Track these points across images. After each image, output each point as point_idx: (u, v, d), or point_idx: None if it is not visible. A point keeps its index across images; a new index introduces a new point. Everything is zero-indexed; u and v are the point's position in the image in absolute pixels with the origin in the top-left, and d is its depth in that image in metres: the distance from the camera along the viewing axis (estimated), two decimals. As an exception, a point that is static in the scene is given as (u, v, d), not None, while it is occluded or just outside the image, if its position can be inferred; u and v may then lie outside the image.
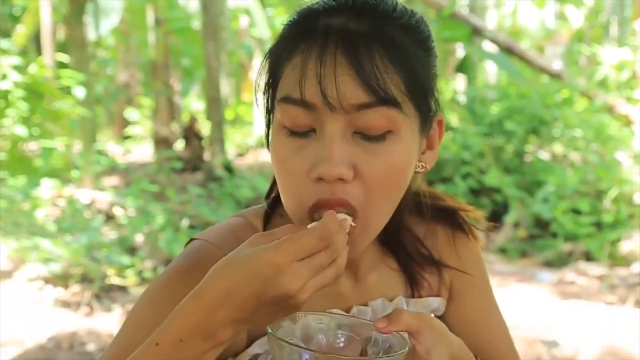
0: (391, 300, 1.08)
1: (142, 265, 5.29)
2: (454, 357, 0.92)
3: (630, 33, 10.76)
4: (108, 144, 12.27)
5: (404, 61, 0.89)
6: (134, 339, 0.88)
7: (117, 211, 6.71)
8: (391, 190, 0.93)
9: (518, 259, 6.51)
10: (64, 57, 8.35)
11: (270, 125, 0.97)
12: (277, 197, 1.00)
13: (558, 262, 6.23)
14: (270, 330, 0.84)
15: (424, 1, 9.34)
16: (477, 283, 1.16)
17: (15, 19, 10.75)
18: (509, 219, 6.88)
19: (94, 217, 6.29)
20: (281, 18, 0.98)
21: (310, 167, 0.89)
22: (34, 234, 5.37)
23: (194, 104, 15.16)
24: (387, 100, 0.87)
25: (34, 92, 6.60)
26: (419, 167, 0.98)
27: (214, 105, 9.52)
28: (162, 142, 9.89)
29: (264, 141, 0.99)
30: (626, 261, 5.97)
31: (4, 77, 6.35)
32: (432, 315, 1.12)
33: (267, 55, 0.96)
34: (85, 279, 4.98)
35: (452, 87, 9.53)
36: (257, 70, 0.98)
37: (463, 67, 9.75)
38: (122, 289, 5.01)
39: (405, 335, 0.89)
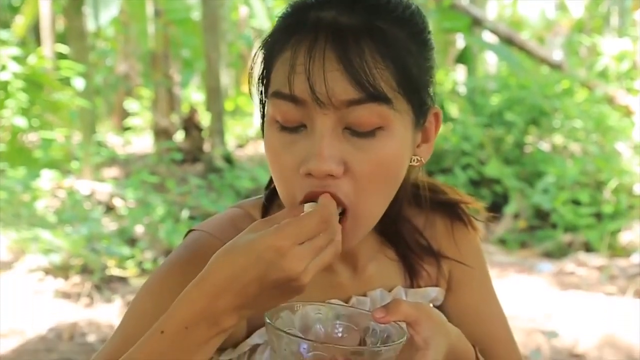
0: (390, 291, 1.09)
1: (142, 256, 5.30)
2: (452, 347, 0.93)
3: (630, 23, 10.76)
4: (108, 135, 12.27)
5: (396, 56, 0.88)
6: (135, 331, 0.89)
7: (117, 202, 6.71)
8: (382, 186, 0.92)
9: (518, 249, 6.52)
10: (63, 48, 8.35)
11: (265, 117, 0.97)
12: (276, 187, 1.00)
13: (558, 253, 6.24)
14: (268, 321, 0.84)
15: (423, -9, 9.31)
16: (476, 274, 1.16)
17: (15, 10, 10.73)
18: (509, 209, 6.89)
19: (94, 208, 6.30)
20: (280, 9, 0.97)
21: (300, 162, 0.89)
22: (34, 225, 5.38)
23: (194, 95, 15.14)
24: (376, 97, 0.86)
25: (34, 83, 6.60)
26: (414, 160, 0.97)
27: (214, 96, 9.50)
28: (162, 133, 9.87)
29: (261, 132, 0.99)
30: (626, 252, 5.98)
31: (3, 68, 6.35)
32: (431, 305, 1.12)
33: (261, 47, 0.96)
34: (85, 270, 4.99)
35: (452, 78, 9.51)
36: (250, 61, 0.98)
37: (463, 57, 9.74)
38: (123, 280, 5.02)
39: (404, 325, 0.89)
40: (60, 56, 8.04)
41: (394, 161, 0.92)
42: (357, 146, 0.89)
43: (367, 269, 1.08)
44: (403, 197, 1.06)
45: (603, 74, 9.02)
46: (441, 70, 8.61)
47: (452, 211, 1.15)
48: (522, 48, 9.43)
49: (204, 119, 10.17)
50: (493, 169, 7.20)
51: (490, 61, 13.97)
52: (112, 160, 8.89)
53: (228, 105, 13.25)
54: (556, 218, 6.62)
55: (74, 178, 7.09)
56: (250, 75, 0.98)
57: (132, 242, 5.59)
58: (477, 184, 7.29)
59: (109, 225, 5.99)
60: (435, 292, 1.13)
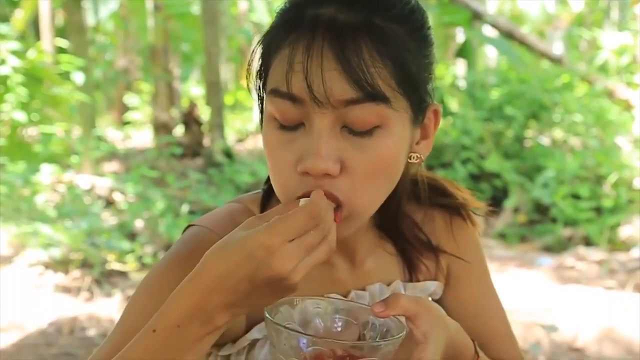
0: (389, 285, 1.09)
1: (142, 250, 5.30)
2: (451, 341, 0.93)
3: (630, 17, 10.73)
4: (107, 129, 12.26)
5: (394, 54, 0.87)
6: (134, 326, 0.88)
7: (117, 197, 6.71)
8: (379, 184, 0.92)
9: (517, 244, 6.52)
10: (62, 42, 8.34)
11: (263, 113, 0.96)
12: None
13: (557, 247, 6.24)
14: (267, 315, 0.84)
15: (424, -15, 9.29)
16: (475, 269, 1.17)
17: (14, 4, 10.70)
18: (509, 204, 6.89)
19: (93, 202, 6.30)
20: (279, 4, 0.96)
21: (298, 160, 0.88)
22: (34, 220, 5.38)
23: (194, 89, 15.12)
24: (374, 96, 0.85)
25: (33, 78, 6.59)
26: (413, 157, 0.97)
27: (214, 91, 9.49)
28: (161, 128, 9.87)
29: (260, 127, 0.99)
30: (625, 246, 5.98)
31: (3, 62, 6.34)
32: (430, 299, 1.13)
33: (259, 43, 0.95)
34: (85, 265, 5.00)
35: (452, 72, 9.51)
36: (249, 57, 0.97)
37: (463, 52, 9.73)
38: (122, 274, 5.03)
39: (403, 319, 0.89)
40: (60, 50, 8.05)
41: (391, 159, 0.91)
42: (355, 145, 0.88)
43: (366, 263, 1.08)
44: (402, 192, 1.06)
45: (603, 68, 9.02)
46: (441, 65, 8.61)
47: (451, 206, 1.15)
48: (522, 42, 9.42)
49: (204, 113, 10.16)
50: (493, 163, 7.20)
51: (490, 55, 13.97)
52: (112, 154, 8.89)
53: (228, 100, 13.23)
54: (556, 212, 6.62)
55: (74, 172, 7.09)
56: (249, 71, 0.97)
57: (132, 236, 5.59)
58: (477, 178, 7.29)
59: (109, 219, 6.00)
60: (434, 286, 1.13)
